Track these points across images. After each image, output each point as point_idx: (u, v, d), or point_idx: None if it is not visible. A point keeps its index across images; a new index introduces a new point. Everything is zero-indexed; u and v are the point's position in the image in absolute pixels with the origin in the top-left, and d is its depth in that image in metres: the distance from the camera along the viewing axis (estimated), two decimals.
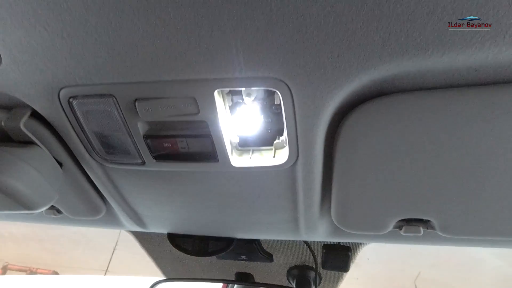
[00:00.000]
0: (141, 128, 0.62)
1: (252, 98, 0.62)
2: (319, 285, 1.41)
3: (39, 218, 0.99)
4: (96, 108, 0.59)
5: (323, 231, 0.87)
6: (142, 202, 0.84)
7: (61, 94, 0.57)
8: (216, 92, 0.54)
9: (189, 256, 1.08)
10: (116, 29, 0.47)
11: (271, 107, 0.65)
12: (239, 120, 0.67)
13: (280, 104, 0.56)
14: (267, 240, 1.31)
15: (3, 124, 0.61)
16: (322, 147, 0.61)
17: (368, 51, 0.45)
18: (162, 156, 0.66)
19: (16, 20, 0.47)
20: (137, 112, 0.57)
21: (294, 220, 0.82)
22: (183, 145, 0.64)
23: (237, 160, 0.67)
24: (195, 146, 0.65)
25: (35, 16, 0.46)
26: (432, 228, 0.71)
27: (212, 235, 1.03)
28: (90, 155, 0.70)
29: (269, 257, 1.30)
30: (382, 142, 0.57)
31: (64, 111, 0.60)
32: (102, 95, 0.57)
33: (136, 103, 0.57)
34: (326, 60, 0.47)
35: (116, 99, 0.57)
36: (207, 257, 1.13)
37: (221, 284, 1.58)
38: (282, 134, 0.68)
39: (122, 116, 0.60)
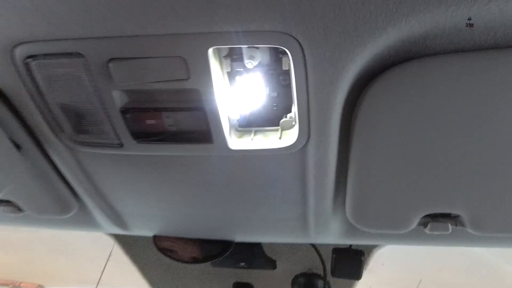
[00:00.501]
0: (117, 98, 0.54)
1: (256, 62, 0.53)
2: None
3: None
4: (60, 71, 0.51)
5: (335, 231, 0.82)
6: (122, 196, 0.77)
7: (15, 52, 0.50)
8: (210, 51, 0.48)
9: (180, 264, 1.02)
10: None
11: (278, 77, 0.57)
12: (239, 93, 0.58)
13: (289, 70, 0.50)
14: (270, 244, 1.26)
15: None
16: (338, 125, 0.55)
17: None
18: (144, 135, 0.59)
19: None
20: (111, 76, 0.50)
21: (302, 217, 0.76)
22: (171, 121, 0.56)
23: (236, 142, 0.60)
24: (186, 123, 0.56)
25: None
26: (462, 224, 0.66)
27: (206, 237, 0.97)
28: (56, 135, 0.62)
29: (272, 264, 1.24)
30: (411, 117, 0.51)
31: (19, 75, 0.53)
32: (68, 54, 0.50)
33: (110, 65, 0.49)
34: (347, 8, 0.41)
35: (86, 60, 0.50)
36: (201, 265, 1.07)
37: None
38: (290, 111, 0.60)
39: (93, 82, 0.52)
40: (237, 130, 0.61)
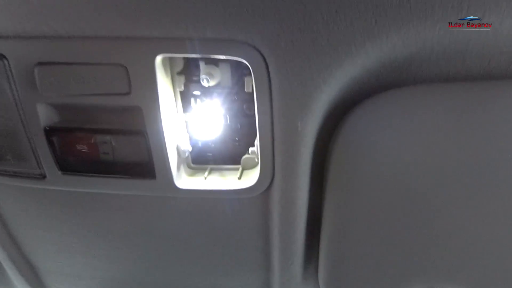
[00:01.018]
0: (42, 114, 0.46)
1: (214, 82, 0.45)
2: None
3: None
4: None
5: None
6: (41, 246, 0.64)
7: None
8: (158, 60, 0.41)
9: None
10: None
11: (241, 105, 0.49)
12: (193, 120, 0.50)
13: (252, 94, 0.43)
14: None
15: None
16: (309, 163, 0.47)
17: (379, 7, 0.35)
18: (72, 165, 0.49)
19: None
20: (36, 84, 0.42)
21: (265, 285, 0.66)
22: (106, 148, 0.47)
23: (185, 180, 0.51)
24: (124, 150, 0.47)
25: None
26: None
27: None
28: None
29: None
30: (400, 156, 0.43)
31: None
32: None
33: (36, 69, 0.42)
34: (319, 17, 0.36)
35: (8, 62, 0.43)
36: None
37: None
38: (254, 146, 0.51)
39: (15, 91, 0.44)
40: (188, 167, 0.52)
